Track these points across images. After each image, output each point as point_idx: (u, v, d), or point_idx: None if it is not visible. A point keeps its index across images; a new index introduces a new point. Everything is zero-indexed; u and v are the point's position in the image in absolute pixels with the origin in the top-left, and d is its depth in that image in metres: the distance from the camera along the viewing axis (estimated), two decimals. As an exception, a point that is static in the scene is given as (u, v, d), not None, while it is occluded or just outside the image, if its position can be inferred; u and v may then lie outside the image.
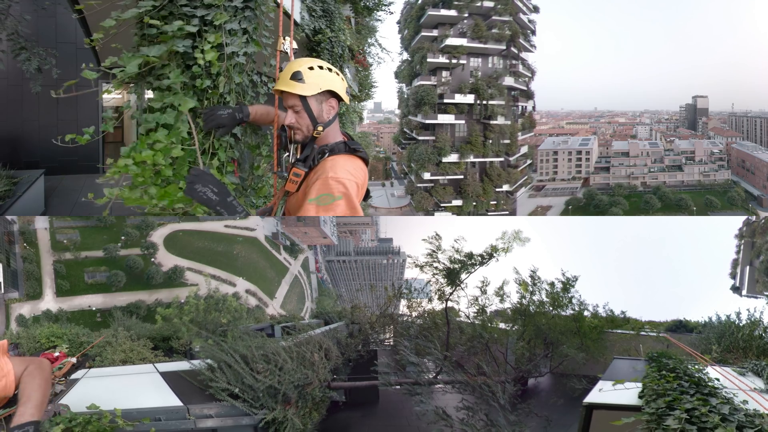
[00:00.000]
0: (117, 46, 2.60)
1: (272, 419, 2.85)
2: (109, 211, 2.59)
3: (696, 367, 3.78)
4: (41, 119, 11.88)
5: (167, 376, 3.23)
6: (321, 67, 2.32)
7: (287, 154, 2.49)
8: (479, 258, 5.28)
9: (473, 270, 5.38)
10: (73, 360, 2.86)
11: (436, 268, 5.55)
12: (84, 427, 2.37)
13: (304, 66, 2.29)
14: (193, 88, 2.60)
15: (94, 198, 2.46)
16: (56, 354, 2.77)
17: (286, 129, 2.47)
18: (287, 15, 5.95)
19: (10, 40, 7.55)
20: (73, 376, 3.62)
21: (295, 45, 2.93)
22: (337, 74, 2.36)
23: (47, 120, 11.92)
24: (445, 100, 32.75)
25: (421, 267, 5.61)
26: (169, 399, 2.83)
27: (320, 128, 2.32)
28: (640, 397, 2.99)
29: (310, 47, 8.06)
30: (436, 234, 5.50)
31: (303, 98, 2.28)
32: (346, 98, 2.41)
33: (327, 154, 2.28)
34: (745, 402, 2.82)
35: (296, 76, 2.26)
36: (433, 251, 5.50)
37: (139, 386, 3.12)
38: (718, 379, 3.33)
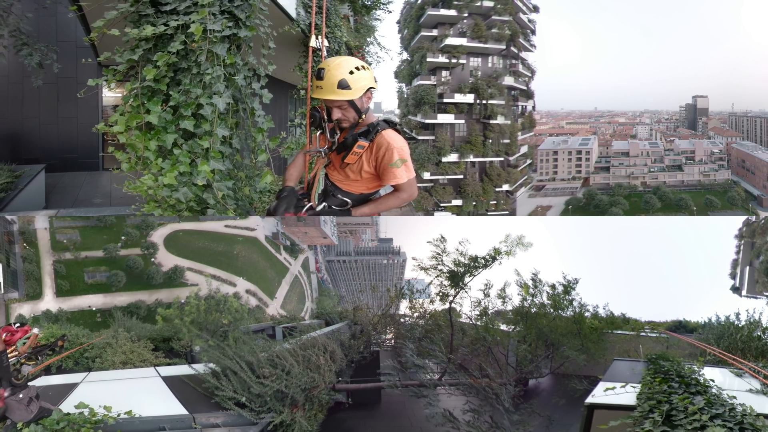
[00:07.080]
0: (118, 50, 2.71)
1: (280, 422, 2.83)
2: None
3: (690, 368, 3.79)
4: (42, 116, 11.86)
5: (170, 382, 3.17)
6: (359, 68, 2.56)
7: (319, 132, 2.79)
8: (483, 261, 5.27)
9: (476, 273, 5.37)
10: (37, 331, 2.70)
11: (440, 270, 5.53)
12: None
13: (345, 71, 2.51)
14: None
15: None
16: (16, 325, 2.56)
17: (318, 109, 2.77)
18: (280, 7, 5.94)
19: (12, 37, 7.56)
20: (73, 380, 3.56)
21: (326, 43, 3.29)
22: (369, 67, 2.63)
23: (48, 117, 11.89)
24: (445, 100, 32.67)
25: (426, 270, 5.60)
26: (174, 407, 2.76)
27: (363, 116, 2.72)
28: (638, 398, 3.02)
29: (306, 43, 8.06)
30: (441, 236, 5.49)
31: (350, 99, 2.57)
32: (376, 86, 2.71)
33: (379, 130, 2.69)
34: (733, 397, 2.84)
35: (342, 85, 2.50)
36: (438, 254, 5.49)
37: (141, 392, 3.07)
38: (713, 380, 3.34)
